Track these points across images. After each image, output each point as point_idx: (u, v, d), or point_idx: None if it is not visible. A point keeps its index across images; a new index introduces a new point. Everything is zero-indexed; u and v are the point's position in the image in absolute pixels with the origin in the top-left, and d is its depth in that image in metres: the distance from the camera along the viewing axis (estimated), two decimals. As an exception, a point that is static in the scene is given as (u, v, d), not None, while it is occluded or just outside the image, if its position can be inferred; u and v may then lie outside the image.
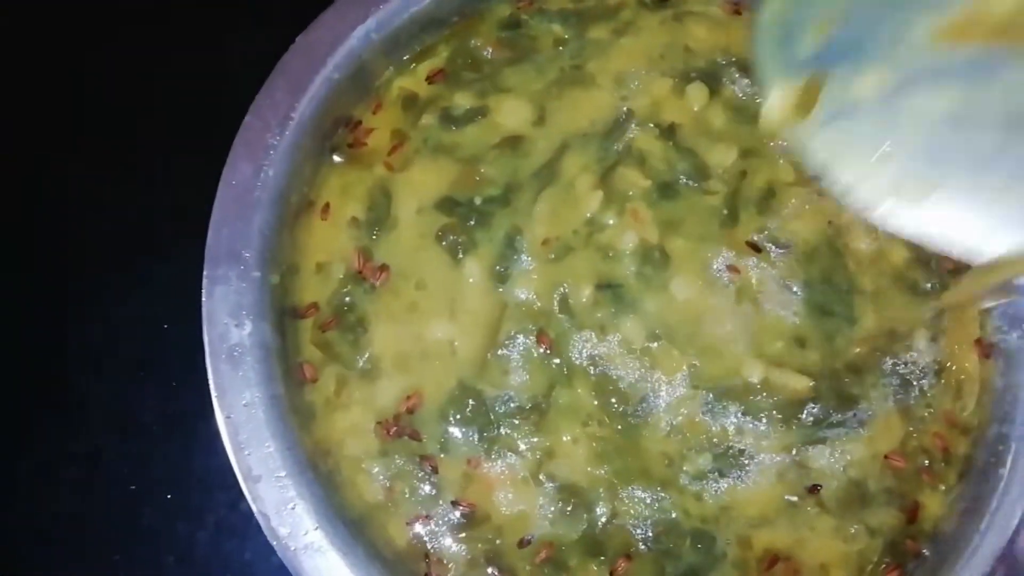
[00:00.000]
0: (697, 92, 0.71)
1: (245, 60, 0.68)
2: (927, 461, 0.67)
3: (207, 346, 0.61)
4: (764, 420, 0.65)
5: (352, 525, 0.60)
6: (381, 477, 0.64)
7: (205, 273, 0.62)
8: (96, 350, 0.75)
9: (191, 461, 0.72)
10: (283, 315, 0.65)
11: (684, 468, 0.64)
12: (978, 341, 0.69)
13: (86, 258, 0.78)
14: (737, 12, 0.75)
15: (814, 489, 0.65)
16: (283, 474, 0.59)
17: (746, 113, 0.71)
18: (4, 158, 0.80)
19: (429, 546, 0.63)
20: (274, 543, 0.58)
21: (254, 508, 0.58)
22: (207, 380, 0.60)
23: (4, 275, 0.78)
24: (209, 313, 0.61)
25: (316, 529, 0.58)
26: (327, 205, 0.68)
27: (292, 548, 0.58)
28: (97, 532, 0.71)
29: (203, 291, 0.61)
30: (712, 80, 0.72)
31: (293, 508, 0.59)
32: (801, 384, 0.66)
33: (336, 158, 0.69)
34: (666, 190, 0.69)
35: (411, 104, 0.71)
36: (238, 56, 0.75)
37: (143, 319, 0.76)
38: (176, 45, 0.82)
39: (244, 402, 0.60)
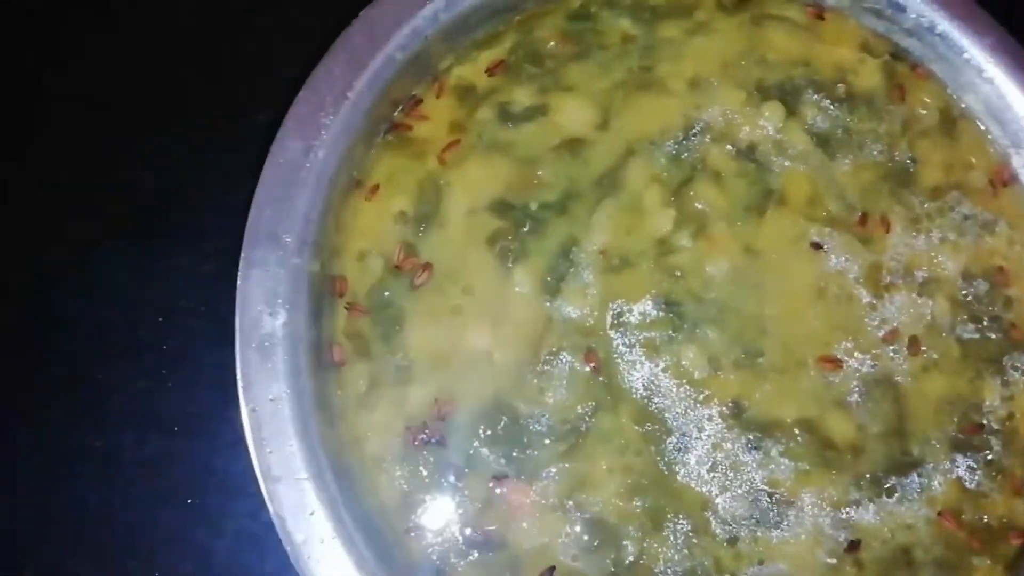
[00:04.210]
0: (774, 112, 0.71)
1: (304, 30, 0.68)
2: (983, 532, 0.67)
3: (238, 333, 0.61)
4: (812, 470, 0.65)
5: (370, 533, 0.61)
6: (402, 482, 0.64)
7: (243, 255, 0.62)
8: (118, 342, 0.75)
9: (213, 465, 0.72)
10: (320, 304, 0.65)
11: (720, 512, 0.64)
12: None
13: (114, 241, 0.77)
14: (819, 17, 0.75)
15: (854, 546, 0.65)
16: (304, 476, 0.59)
17: (824, 140, 0.72)
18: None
19: (441, 562, 0.63)
20: (288, 548, 0.58)
21: (271, 509, 0.58)
22: (233, 378, 0.60)
23: (19, 255, 0.78)
24: (243, 298, 0.61)
25: (334, 539, 0.59)
26: (376, 187, 0.69)
27: (307, 556, 0.58)
28: (114, 536, 0.72)
29: (239, 273, 0.61)
30: (789, 99, 0.72)
31: (312, 514, 0.59)
32: (851, 434, 0.66)
33: (389, 139, 0.70)
34: (750, 211, 0.69)
35: (467, 96, 0.72)
36: (298, 24, 0.76)
37: (169, 310, 0.75)
38: (234, 8, 0.82)
39: (271, 396, 0.60)
